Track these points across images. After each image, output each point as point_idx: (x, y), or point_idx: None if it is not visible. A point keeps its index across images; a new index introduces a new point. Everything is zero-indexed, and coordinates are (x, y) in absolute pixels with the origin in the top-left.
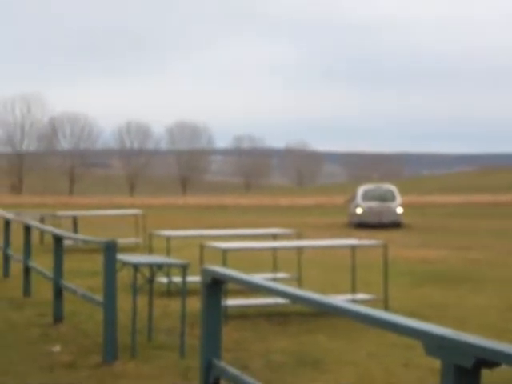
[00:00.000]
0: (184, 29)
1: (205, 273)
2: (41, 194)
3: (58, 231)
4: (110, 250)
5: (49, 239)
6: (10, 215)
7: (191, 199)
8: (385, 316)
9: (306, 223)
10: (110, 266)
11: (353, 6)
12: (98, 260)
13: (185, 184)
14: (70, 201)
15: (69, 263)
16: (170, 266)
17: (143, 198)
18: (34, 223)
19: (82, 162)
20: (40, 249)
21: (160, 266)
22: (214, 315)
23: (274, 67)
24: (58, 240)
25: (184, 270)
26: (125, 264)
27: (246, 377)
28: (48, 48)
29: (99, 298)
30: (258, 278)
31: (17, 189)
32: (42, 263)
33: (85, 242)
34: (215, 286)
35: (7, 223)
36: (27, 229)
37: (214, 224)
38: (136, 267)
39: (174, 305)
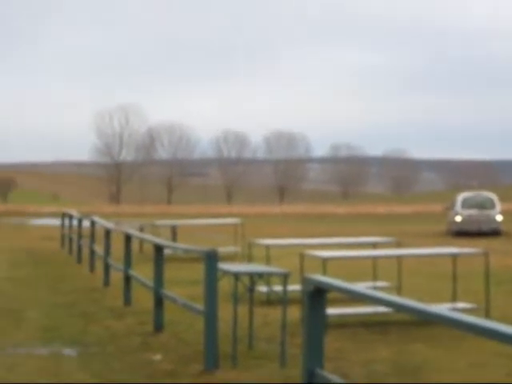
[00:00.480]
0: (280, 37)
1: (307, 281)
2: (139, 203)
3: (158, 240)
4: (211, 259)
5: (148, 248)
6: (110, 225)
7: (288, 208)
8: (489, 325)
9: (404, 231)
10: (211, 275)
11: (444, 10)
12: (197, 269)
13: (282, 193)
14: (168, 210)
15: (168, 272)
16: (270, 274)
17: (241, 207)
18: (135, 232)
19: (180, 171)
20: (139, 258)
21: (260, 275)
22: (317, 324)
23: (372, 75)
24: (158, 249)
25: (285, 278)
26: (225, 273)
27: None
28: (145, 59)
29: (200, 306)
30: (361, 286)
31: (115, 198)
32: (142, 272)
33: (186, 251)
34: (317, 295)
35: (107, 232)
36: (128, 238)
37: (311, 233)
38: (236, 276)
39: (274, 314)
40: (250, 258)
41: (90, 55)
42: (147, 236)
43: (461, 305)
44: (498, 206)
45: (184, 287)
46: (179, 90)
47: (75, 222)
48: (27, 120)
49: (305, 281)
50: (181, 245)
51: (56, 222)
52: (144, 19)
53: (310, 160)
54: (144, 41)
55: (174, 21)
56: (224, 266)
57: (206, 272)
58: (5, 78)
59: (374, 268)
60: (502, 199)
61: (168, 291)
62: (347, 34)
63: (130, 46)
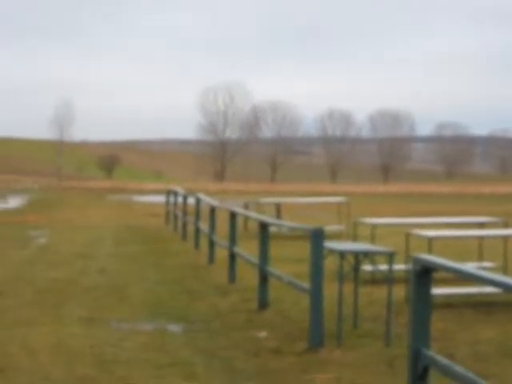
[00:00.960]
0: (385, 14)
1: (415, 261)
2: (243, 181)
3: (264, 218)
4: (317, 237)
5: (252, 226)
6: (215, 202)
7: (393, 187)
8: None
9: (510, 212)
10: (317, 253)
11: None
12: (301, 247)
13: (386, 172)
14: (272, 188)
15: (272, 249)
16: (376, 253)
17: (345, 186)
18: (240, 210)
19: (284, 149)
20: (244, 235)
21: (366, 254)
22: (423, 304)
23: (477, 53)
24: (263, 227)
25: (390, 257)
26: (331, 251)
27: (456, 367)
28: (250, 37)
29: (305, 284)
30: (470, 267)
31: (220, 176)
32: (246, 249)
33: (292, 229)
34: (425, 275)
35: (212, 210)
36: (233, 215)
37: (416, 212)
38: (342, 254)
39: (378, 293)
40: (355, 237)
41: (196, 35)
42: (252, 213)
43: None
44: None
45: (288, 265)
46: (284, 68)
47: (180, 199)
48: (134, 98)
49: (413, 260)
50: (287, 223)
51: (160, 199)
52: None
53: (415, 139)
54: (250, 20)
55: (279, 1)
56: (330, 244)
57: (312, 250)
58: (113, 59)
59: (479, 248)
60: None
61: (272, 268)
62: (454, 13)
63: (236, 26)
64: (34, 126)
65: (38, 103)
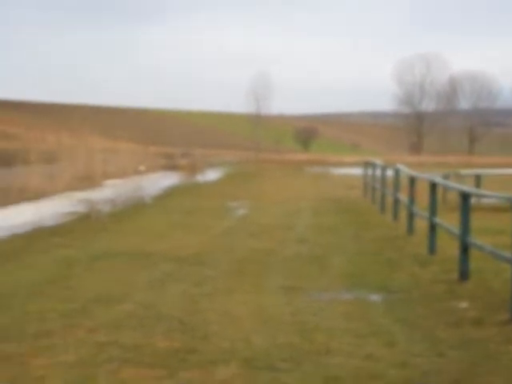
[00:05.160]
0: None
1: None
2: (440, 153)
3: (466, 189)
4: None
5: (451, 198)
6: (415, 173)
7: None
8: None
9: None
10: None
11: None
12: (501, 219)
13: None
14: (471, 160)
15: (472, 221)
16: None
17: None
18: (441, 181)
19: (482, 121)
20: (442, 207)
21: None
22: None
23: None
24: (465, 197)
25: None
26: None
27: None
28: (447, 7)
29: (508, 254)
30: None
31: (415, 148)
32: (445, 221)
33: (495, 199)
34: None
35: (412, 181)
36: (433, 186)
37: None
38: None
39: None
40: None
41: (394, 6)
42: (454, 184)
43: None
44: None
45: (487, 236)
46: (482, 39)
47: (378, 171)
48: (330, 71)
49: None
50: (491, 193)
51: (357, 171)
52: None
53: None
54: None
55: None
56: None
57: None
58: (311, 32)
59: None
60: None
61: (474, 239)
62: None
63: None
64: (232, 100)
65: (236, 76)
